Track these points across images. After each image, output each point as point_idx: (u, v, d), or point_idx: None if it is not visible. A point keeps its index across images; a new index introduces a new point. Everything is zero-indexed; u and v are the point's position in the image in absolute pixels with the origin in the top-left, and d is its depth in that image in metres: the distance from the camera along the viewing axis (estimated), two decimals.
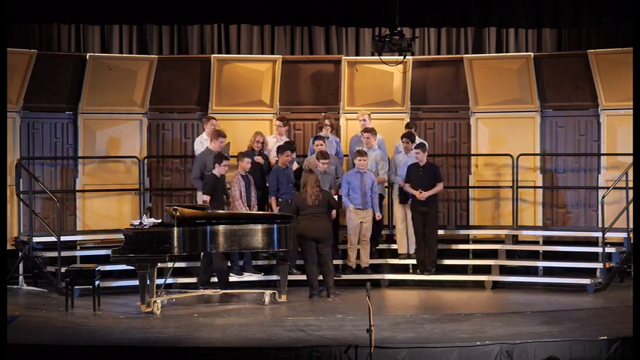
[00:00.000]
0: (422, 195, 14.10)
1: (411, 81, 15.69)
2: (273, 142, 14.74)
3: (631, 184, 13.99)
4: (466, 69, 15.54)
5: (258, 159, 14.28)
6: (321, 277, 13.45)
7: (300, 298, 13.33)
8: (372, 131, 14.57)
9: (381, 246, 14.84)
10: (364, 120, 14.86)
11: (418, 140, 14.85)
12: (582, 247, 14.62)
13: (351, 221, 14.11)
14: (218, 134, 14.13)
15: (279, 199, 14.02)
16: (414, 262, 14.46)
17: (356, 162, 14.07)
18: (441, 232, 14.70)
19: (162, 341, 10.60)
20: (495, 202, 15.49)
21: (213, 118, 14.77)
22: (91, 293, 12.54)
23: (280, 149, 14.19)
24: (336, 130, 15.31)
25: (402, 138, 14.66)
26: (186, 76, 15.63)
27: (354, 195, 14.00)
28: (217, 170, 13.60)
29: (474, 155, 15.64)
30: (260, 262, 14.41)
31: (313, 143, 14.49)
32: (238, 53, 16.41)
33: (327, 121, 14.89)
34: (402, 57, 14.63)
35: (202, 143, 14.59)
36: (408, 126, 15.12)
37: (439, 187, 14.32)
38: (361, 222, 14.09)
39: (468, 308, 12.74)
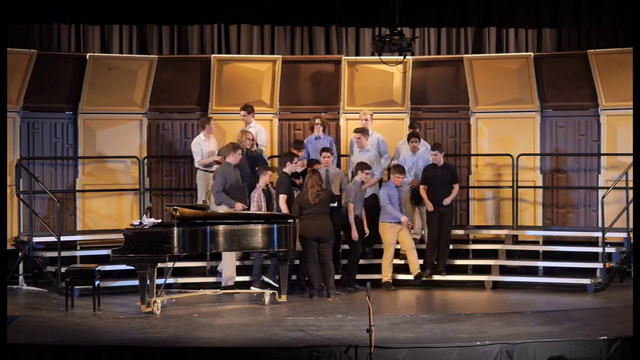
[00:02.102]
0: (446, 201, 14.14)
1: (411, 81, 15.69)
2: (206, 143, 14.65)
3: (631, 184, 13.99)
4: (466, 69, 15.54)
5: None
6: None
7: (300, 298, 13.34)
8: (363, 132, 14.53)
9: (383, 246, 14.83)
10: (366, 120, 14.85)
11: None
12: (582, 247, 14.62)
13: (388, 236, 13.98)
14: (235, 147, 13.88)
15: None
16: None
17: (394, 179, 13.91)
18: None
19: (163, 341, 10.60)
20: (495, 202, 15.48)
21: (211, 118, 14.75)
22: (91, 293, 12.54)
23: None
24: (329, 129, 15.29)
25: (408, 139, 14.61)
26: (186, 76, 15.63)
27: (395, 210, 13.90)
28: (289, 168, 13.63)
29: (474, 155, 15.64)
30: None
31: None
32: (238, 53, 16.41)
33: (317, 120, 14.87)
34: (402, 57, 14.65)
35: (200, 144, 14.53)
36: (412, 126, 15.11)
37: (456, 188, 14.35)
38: (397, 235, 14.01)
39: (468, 308, 12.74)
